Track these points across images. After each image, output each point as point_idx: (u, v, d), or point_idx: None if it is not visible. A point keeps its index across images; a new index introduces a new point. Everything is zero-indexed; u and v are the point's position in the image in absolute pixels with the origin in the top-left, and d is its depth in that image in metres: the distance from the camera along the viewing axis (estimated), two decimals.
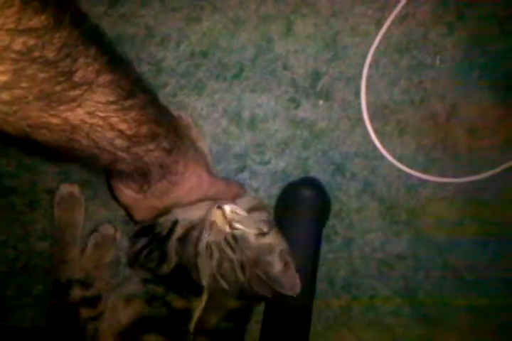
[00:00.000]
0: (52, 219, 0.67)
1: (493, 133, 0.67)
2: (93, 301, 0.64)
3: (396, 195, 0.68)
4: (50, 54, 0.34)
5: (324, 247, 0.67)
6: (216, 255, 0.56)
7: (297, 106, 0.68)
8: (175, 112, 0.59)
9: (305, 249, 0.62)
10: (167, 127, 0.49)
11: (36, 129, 0.38)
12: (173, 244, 0.60)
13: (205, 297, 0.57)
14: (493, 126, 0.67)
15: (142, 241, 0.63)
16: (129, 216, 0.60)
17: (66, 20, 0.34)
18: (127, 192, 0.55)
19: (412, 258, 0.69)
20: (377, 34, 0.66)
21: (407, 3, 0.66)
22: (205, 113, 0.67)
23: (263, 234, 0.57)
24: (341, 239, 0.69)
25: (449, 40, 0.67)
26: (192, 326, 0.59)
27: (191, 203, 0.57)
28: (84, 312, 0.63)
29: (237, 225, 0.57)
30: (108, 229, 0.67)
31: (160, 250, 0.61)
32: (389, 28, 0.66)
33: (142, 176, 0.51)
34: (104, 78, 0.39)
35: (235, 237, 0.56)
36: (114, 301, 0.62)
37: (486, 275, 0.67)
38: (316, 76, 0.67)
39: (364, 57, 0.67)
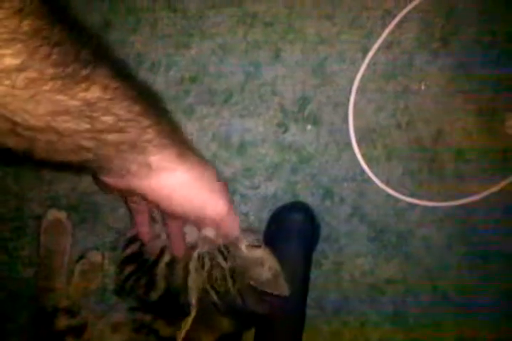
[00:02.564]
0: (38, 246, 0.66)
1: (479, 157, 0.68)
2: (79, 330, 0.62)
3: (385, 219, 0.68)
4: (56, 36, 0.35)
5: (314, 272, 0.66)
6: (207, 264, 0.55)
7: (285, 131, 0.68)
8: None
9: (295, 273, 0.62)
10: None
11: (57, 115, 0.38)
12: (161, 269, 0.60)
13: (193, 313, 0.55)
14: (479, 149, 0.68)
15: (129, 268, 0.62)
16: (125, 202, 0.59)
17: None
18: (110, 181, 0.50)
19: (402, 282, 0.68)
20: (363, 60, 0.67)
21: (392, 31, 0.68)
22: (195, 138, 0.68)
23: (255, 246, 0.56)
24: (331, 264, 0.68)
25: (433, 66, 0.68)
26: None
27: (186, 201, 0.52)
28: None
29: None
30: (95, 256, 0.66)
31: (148, 276, 0.60)
32: (375, 54, 0.67)
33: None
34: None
35: (227, 247, 0.55)
36: (101, 329, 0.61)
37: (476, 298, 0.67)
38: (304, 101, 0.68)
39: (351, 82, 0.68)
